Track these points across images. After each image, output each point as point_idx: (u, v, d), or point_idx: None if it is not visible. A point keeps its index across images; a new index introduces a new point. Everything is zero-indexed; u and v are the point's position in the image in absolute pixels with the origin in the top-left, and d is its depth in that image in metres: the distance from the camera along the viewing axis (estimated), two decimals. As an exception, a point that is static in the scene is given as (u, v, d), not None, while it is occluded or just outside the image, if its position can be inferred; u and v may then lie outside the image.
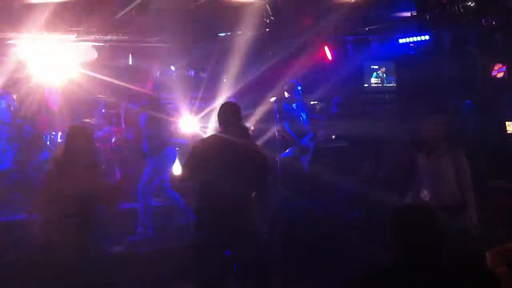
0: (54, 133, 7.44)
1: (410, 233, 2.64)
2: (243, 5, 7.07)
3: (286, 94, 7.85)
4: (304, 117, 7.86)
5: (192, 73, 9.45)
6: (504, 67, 8.93)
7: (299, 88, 7.85)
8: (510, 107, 8.70)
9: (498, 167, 6.70)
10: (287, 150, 7.93)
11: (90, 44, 8.27)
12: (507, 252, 3.25)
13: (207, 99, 9.71)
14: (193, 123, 9.05)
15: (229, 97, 9.83)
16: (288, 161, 8.12)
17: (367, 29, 8.77)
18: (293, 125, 7.75)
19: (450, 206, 4.66)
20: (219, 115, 4.46)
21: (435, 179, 4.86)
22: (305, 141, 7.69)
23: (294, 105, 7.84)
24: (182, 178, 5.11)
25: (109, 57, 8.59)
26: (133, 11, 6.49)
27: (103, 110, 8.04)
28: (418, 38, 8.52)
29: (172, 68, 9.32)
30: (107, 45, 8.35)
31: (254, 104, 9.04)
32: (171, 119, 6.94)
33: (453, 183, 4.82)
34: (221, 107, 4.54)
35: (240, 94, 9.90)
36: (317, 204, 6.79)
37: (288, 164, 8.23)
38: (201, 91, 9.64)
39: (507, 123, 8.43)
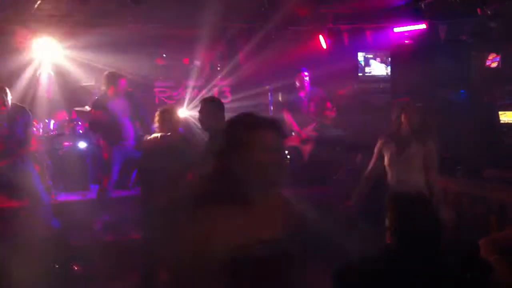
0: (47, 120, 7.40)
1: (407, 220, 2.66)
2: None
3: (297, 83, 7.80)
4: (311, 106, 7.83)
5: (187, 61, 9.41)
6: (498, 57, 8.94)
7: (307, 76, 7.79)
8: (503, 97, 8.72)
9: (491, 156, 6.72)
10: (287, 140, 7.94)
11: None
12: (500, 240, 3.28)
13: (201, 88, 9.70)
14: (187, 112, 9.06)
15: (222, 86, 9.85)
16: (288, 150, 8.13)
17: (362, 18, 8.76)
18: (297, 114, 7.73)
19: None
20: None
21: (403, 170, 4.82)
22: (308, 130, 7.69)
23: (302, 95, 7.80)
24: None
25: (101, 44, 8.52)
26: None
27: (96, 97, 7.97)
28: (413, 28, 8.51)
29: (164, 55, 9.26)
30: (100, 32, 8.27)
31: (249, 93, 9.04)
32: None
33: (420, 175, 4.80)
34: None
35: (235, 83, 9.89)
36: (311, 193, 6.80)
37: (287, 153, 8.26)
38: (195, 79, 9.62)
39: (499, 112, 8.46)
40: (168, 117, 5.24)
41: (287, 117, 7.74)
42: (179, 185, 4.85)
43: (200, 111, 4.91)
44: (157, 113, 5.35)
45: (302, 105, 7.81)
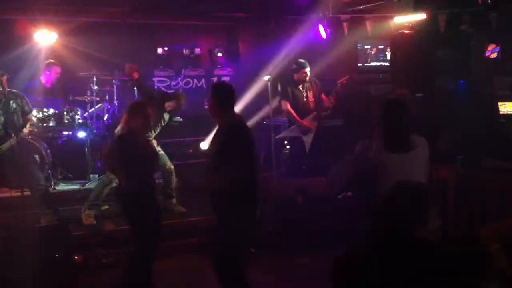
0: (46, 110, 7.38)
1: (397, 206, 2.65)
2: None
3: (295, 76, 7.74)
4: (310, 96, 7.79)
5: (187, 51, 9.39)
6: (498, 48, 8.94)
7: (308, 68, 7.71)
8: (503, 88, 8.73)
9: (490, 146, 6.74)
10: (287, 130, 7.93)
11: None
12: (500, 230, 3.29)
13: (200, 77, 9.70)
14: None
15: (222, 76, 9.84)
16: (288, 141, 8.14)
17: (362, 7, 8.73)
18: (296, 105, 7.70)
19: None
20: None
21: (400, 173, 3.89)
22: (308, 120, 7.67)
23: (300, 86, 7.76)
24: None
25: (101, 33, 8.51)
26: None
27: (95, 87, 7.96)
28: (414, 17, 8.47)
29: (165, 48, 9.23)
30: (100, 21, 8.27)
31: (248, 83, 9.02)
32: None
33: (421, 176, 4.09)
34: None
35: (235, 72, 9.87)
36: (312, 183, 6.80)
37: (288, 144, 8.27)
38: (195, 69, 9.61)
39: (499, 103, 8.47)
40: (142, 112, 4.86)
41: (289, 109, 7.72)
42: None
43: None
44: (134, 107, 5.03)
45: (301, 96, 7.78)
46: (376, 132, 4.28)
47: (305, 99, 7.76)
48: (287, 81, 7.88)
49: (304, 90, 7.77)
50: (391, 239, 2.62)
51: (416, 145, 4.18)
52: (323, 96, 7.79)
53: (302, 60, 7.69)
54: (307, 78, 7.72)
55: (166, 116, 6.81)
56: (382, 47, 9.65)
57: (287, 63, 8.55)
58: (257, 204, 4.48)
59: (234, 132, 4.29)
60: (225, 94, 4.40)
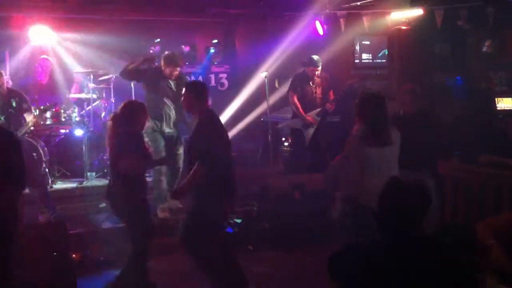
0: (42, 107, 7.37)
1: (395, 205, 2.65)
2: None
3: (306, 70, 7.69)
4: (319, 92, 7.76)
5: (187, 49, 9.37)
6: (495, 43, 8.94)
7: (319, 67, 7.65)
8: (500, 83, 8.74)
9: (487, 142, 6.75)
10: (289, 121, 7.92)
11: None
12: (496, 225, 3.29)
13: (198, 75, 9.69)
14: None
15: (219, 73, 9.83)
16: (290, 133, 8.14)
17: (359, 3, 8.71)
18: (304, 99, 7.68)
19: None
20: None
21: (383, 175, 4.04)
22: (311, 115, 7.66)
23: (310, 81, 7.72)
24: None
25: (97, 30, 8.49)
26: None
27: (92, 85, 7.95)
28: (410, 13, 8.46)
29: (159, 40, 9.21)
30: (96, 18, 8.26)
31: (245, 79, 9.02)
32: None
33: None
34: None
35: (232, 69, 9.86)
36: (310, 179, 6.80)
37: (288, 137, 8.26)
38: (192, 65, 9.60)
39: (496, 99, 8.47)
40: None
41: (295, 101, 7.70)
42: None
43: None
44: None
45: (310, 90, 7.75)
46: (358, 126, 4.58)
47: (314, 95, 7.74)
48: (298, 74, 7.87)
49: (314, 86, 7.75)
50: (390, 236, 2.62)
51: (394, 140, 4.45)
52: (330, 93, 7.77)
53: (315, 58, 7.65)
54: (316, 75, 7.69)
55: (173, 84, 6.80)
56: (379, 42, 9.62)
57: (284, 60, 8.53)
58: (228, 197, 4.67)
59: (206, 126, 4.63)
60: (199, 89, 4.77)
